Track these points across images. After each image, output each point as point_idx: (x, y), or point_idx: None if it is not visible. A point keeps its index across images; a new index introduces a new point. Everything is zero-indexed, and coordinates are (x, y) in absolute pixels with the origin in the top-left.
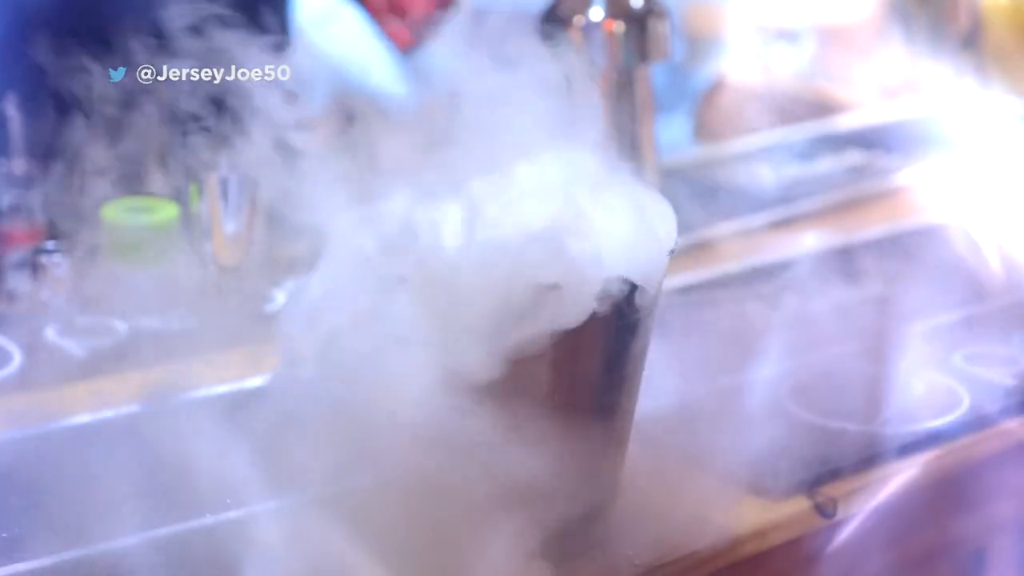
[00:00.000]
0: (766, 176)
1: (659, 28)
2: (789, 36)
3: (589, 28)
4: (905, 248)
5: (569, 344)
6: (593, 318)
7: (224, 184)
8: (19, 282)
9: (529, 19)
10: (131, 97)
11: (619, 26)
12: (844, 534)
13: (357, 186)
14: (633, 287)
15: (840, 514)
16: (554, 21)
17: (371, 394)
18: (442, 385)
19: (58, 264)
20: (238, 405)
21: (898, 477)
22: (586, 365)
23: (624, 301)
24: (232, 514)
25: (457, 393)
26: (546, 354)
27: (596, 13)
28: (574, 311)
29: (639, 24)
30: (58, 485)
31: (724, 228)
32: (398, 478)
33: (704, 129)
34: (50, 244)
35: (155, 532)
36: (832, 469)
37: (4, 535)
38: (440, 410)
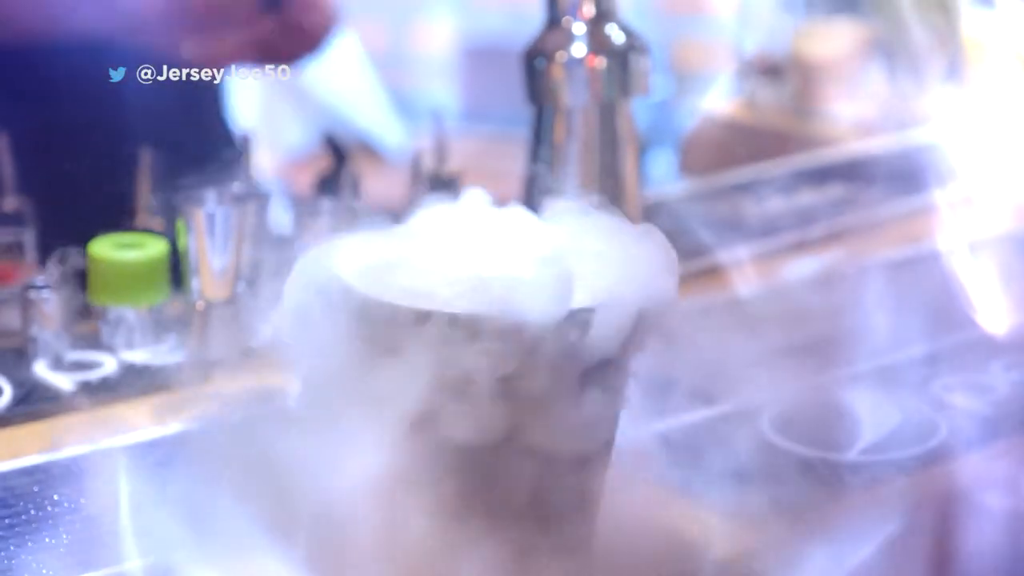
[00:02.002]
0: (749, 210)
1: (640, 64)
2: (772, 71)
3: (571, 64)
4: (884, 278)
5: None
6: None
7: (211, 219)
8: (9, 318)
9: (514, 56)
10: (120, 130)
11: (600, 62)
12: (821, 563)
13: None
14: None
15: (816, 542)
16: (538, 57)
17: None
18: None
19: (47, 300)
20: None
21: (875, 506)
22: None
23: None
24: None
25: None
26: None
27: (579, 49)
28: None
29: (621, 60)
30: (48, 518)
31: (706, 262)
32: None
33: (689, 164)
34: (39, 280)
35: (143, 561)
36: (808, 498)
37: None
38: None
